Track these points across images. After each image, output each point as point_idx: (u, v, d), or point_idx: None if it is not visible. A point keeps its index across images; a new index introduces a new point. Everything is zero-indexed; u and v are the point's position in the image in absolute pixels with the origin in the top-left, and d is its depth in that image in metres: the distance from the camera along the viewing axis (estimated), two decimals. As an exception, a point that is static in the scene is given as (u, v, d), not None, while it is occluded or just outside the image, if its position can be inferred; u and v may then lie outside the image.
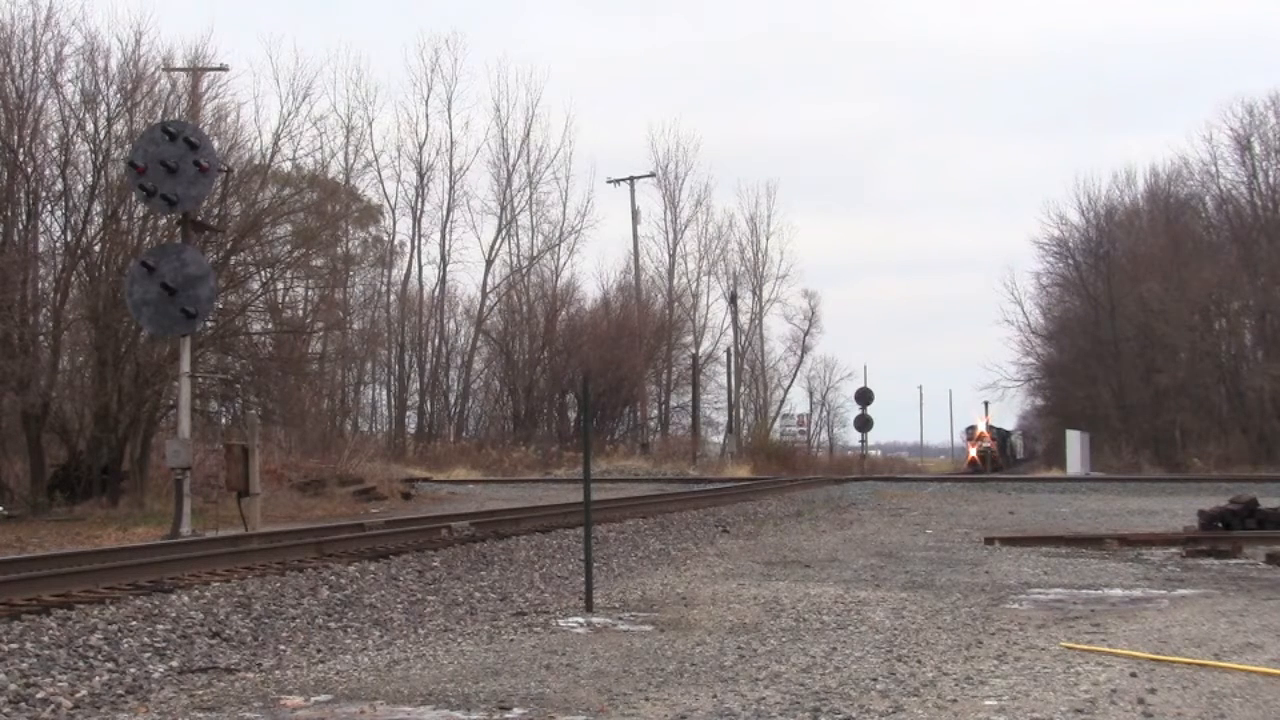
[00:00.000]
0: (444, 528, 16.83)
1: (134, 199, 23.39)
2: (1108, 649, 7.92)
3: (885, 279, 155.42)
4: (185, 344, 18.76)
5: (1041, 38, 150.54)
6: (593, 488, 11.44)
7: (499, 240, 59.48)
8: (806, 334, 72.37)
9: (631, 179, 65.16)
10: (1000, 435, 71.39)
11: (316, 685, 6.87)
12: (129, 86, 26.15)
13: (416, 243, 57.86)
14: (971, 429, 70.78)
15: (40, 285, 26.01)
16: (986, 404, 72.05)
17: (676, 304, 66.98)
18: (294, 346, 33.09)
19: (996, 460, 65.52)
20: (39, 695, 6.56)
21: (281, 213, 30.22)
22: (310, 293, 37.96)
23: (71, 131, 25.75)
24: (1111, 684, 6.76)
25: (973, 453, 67.94)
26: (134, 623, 8.82)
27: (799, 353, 72.82)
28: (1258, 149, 57.05)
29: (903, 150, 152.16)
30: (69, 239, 25.62)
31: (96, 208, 25.66)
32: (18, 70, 25.55)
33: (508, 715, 6.11)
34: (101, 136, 25.53)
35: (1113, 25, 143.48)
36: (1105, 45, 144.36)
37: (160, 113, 25.95)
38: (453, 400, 58.71)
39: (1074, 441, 50.18)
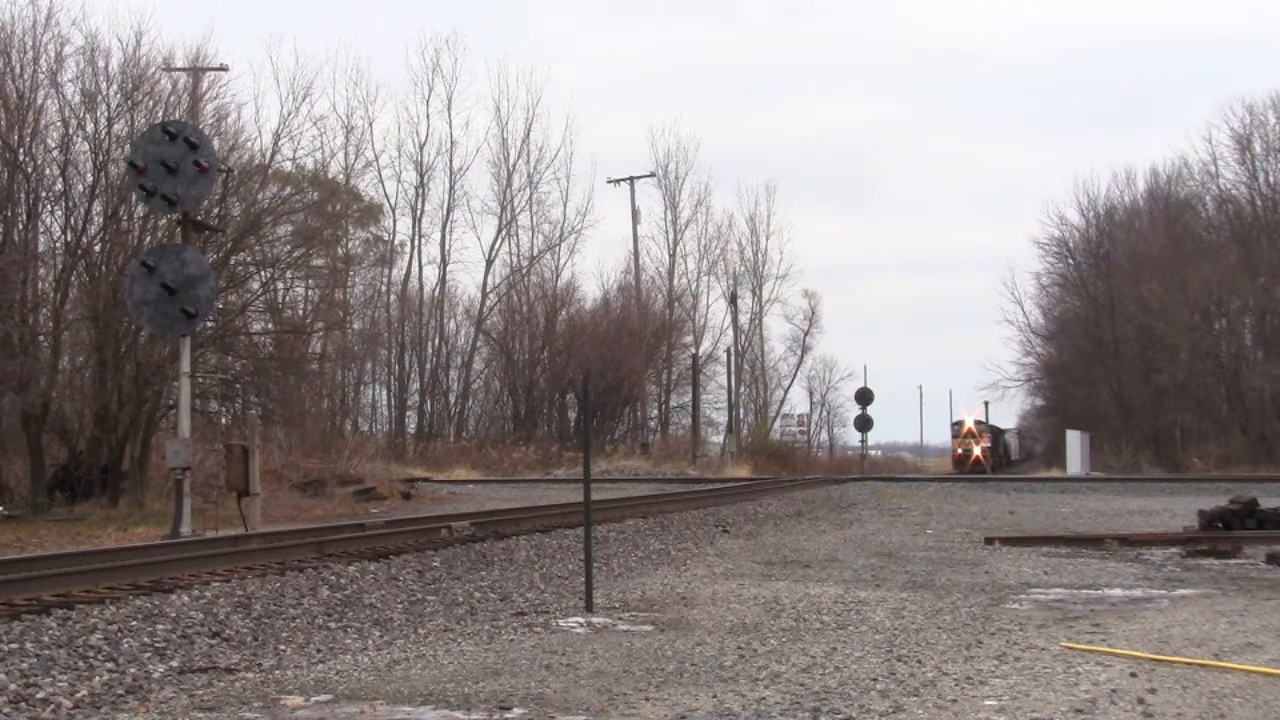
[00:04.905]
0: (444, 528, 16.83)
1: (134, 199, 23.40)
2: (1108, 649, 7.92)
3: (885, 279, 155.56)
4: (185, 344, 18.76)
5: (1041, 38, 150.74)
6: (593, 488, 11.43)
7: (499, 240, 59.59)
8: (806, 334, 72.50)
9: (631, 179, 65.27)
10: (994, 433, 66.82)
11: (316, 685, 6.87)
12: (129, 86, 26.17)
13: (416, 243, 57.97)
14: (959, 425, 65.80)
15: (40, 285, 26.02)
16: (987, 404, 71.71)
17: (676, 304, 67.07)
18: (294, 346, 33.11)
19: (988, 460, 61.32)
20: (39, 695, 6.56)
21: (282, 213, 30.25)
22: (310, 293, 38.04)
23: (71, 131, 25.80)
24: (1111, 684, 6.76)
25: (959, 452, 63.93)
26: (134, 623, 8.82)
27: (799, 353, 72.95)
28: (1258, 149, 57.13)
29: (902, 150, 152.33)
30: (69, 239, 25.64)
31: (96, 208, 25.69)
32: (18, 70, 25.59)
33: (508, 715, 6.11)
34: (101, 136, 25.55)
35: (1113, 25, 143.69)
36: (1106, 45, 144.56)
37: (160, 113, 25.99)
38: (453, 400, 58.73)
39: (1074, 441, 50.13)
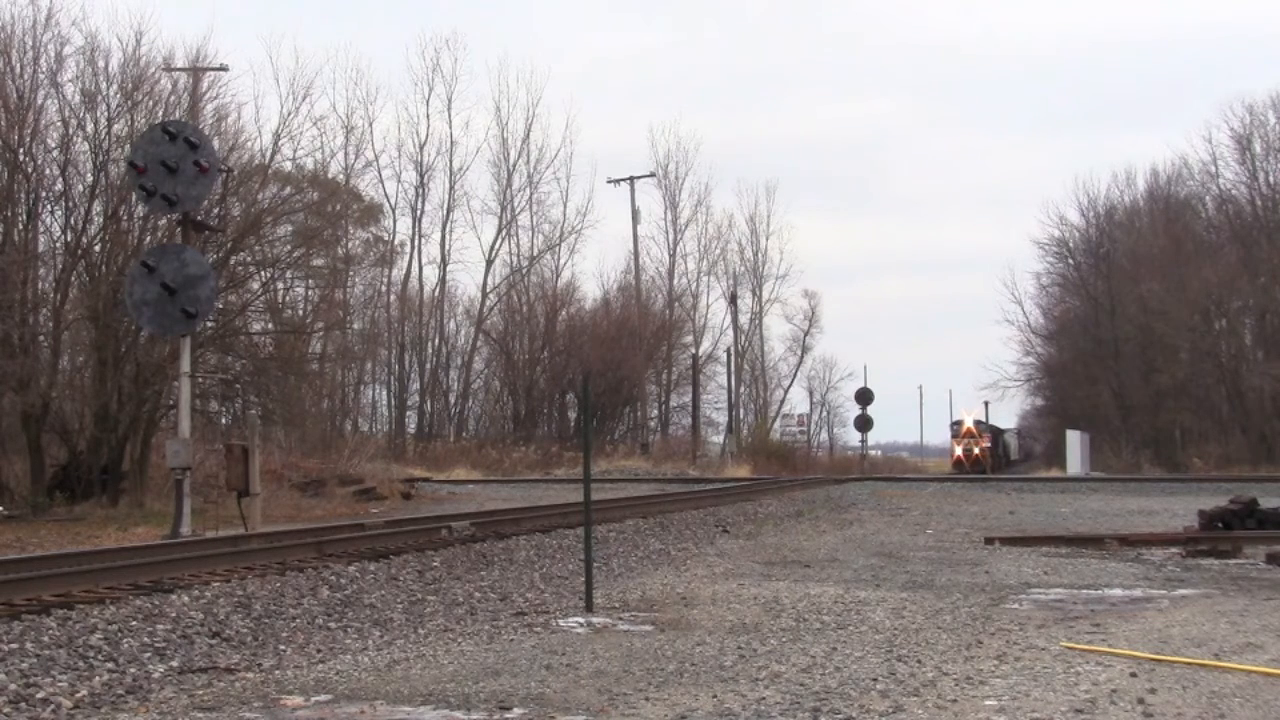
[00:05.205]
0: (444, 528, 16.83)
1: (134, 199, 23.39)
2: (1108, 649, 7.92)
3: (885, 279, 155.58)
4: (185, 344, 18.76)
5: (1042, 38, 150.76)
6: (593, 488, 11.43)
7: (499, 240, 59.60)
8: (806, 334, 72.49)
9: (631, 179, 65.28)
10: (993, 433, 66.42)
11: (316, 685, 6.87)
12: (129, 86, 26.15)
13: (416, 243, 58.01)
14: (958, 424, 65.25)
15: (40, 285, 26.00)
16: (987, 404, 71.64)
17: (676, 304, 67.08)
18: (294, 346, 33.09)
19: (987, 460, 60.69)
20: (39, 695, 6.56)
21: (281, 213, 30.25)
22: (310, 293, 38.05)
23: (71, 131, 25.78)
24: (1111, 684, 6.76)
25: (958, 451, 63.37)
26: (134, 623, 8.81)
27: (799, 353, 72.94)
28: (1258, 149, 57.15)
29: (903, 150, 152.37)
30: (69, 239, 25.63)
31: (96, 208, 25.68)
32: (18, 70, 25.57)
33: (508, 715, 6.11)
34: (101, 136, 25.54)
35: (1113, 25, 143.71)
36: (1105, 45, 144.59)
37: (160, 113, 25.97)
38: (453, 400, 58.74)
39: (1074, 441, 50.12)
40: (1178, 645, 8.08)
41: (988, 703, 6.31)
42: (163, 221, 24.11)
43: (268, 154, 30.15)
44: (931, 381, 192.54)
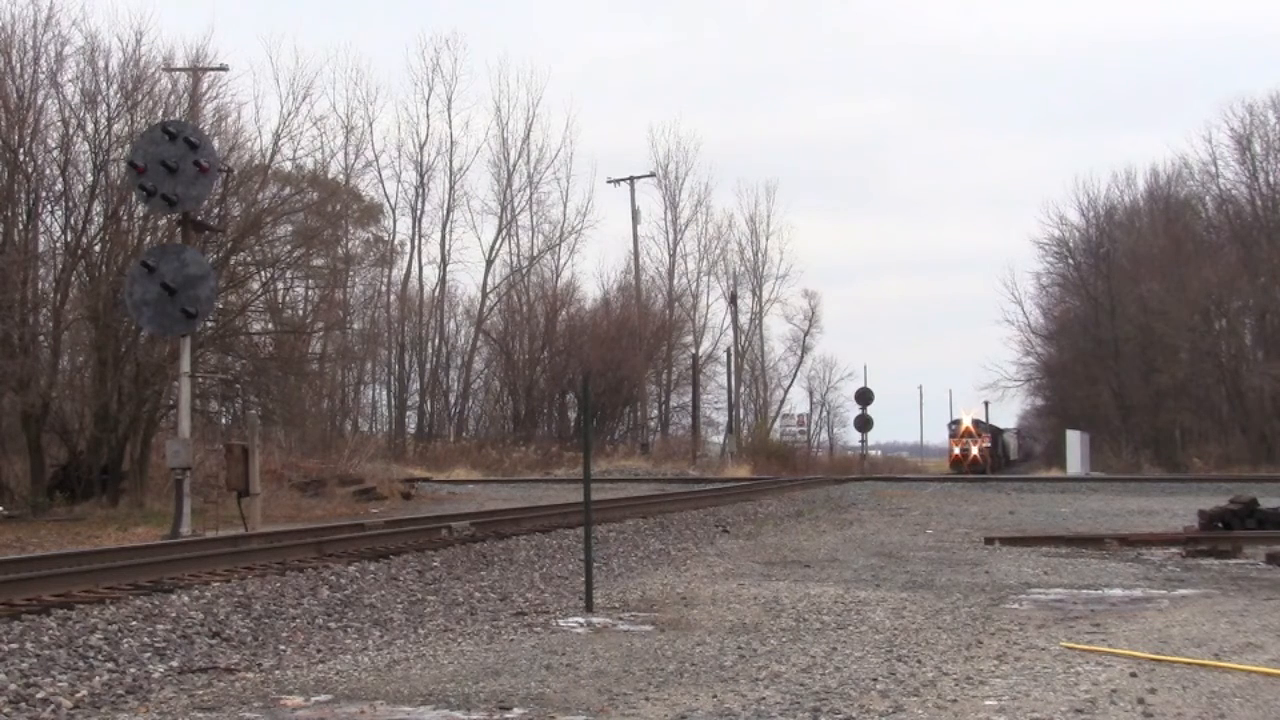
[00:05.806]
0: (444, 528, 16.83)
1: (134, 199, 23.39)
2: (1108, 649, 7.92)
3: (885, 279, 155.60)
4: (185, 344, 18.76)
5: (1042, 38, 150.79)
6: (593, 488, 11.43)
7: (499, 240, 59.61)
8: (806, 334, 72.51)
9: (631, 179, 65.30)
10: (992, 433, 66.20)
11: (316, 685, 6.87)
12: (129, 86, 26.16)
13: (416, 243, 58.02)
14: (956, 424, 64.89)
15: (40, 285, 26.00)
16: (987, 404, 71.63)
17: (676, 304, 67.08)
18: (294, 346, 33.10)
19: (986, 460, 60.47)
20: (39, 695, 6.56)
21: (282, 212, 30.24)
22: (310, 293, 38.06)
23: (71, 131, 25.77)
24: (1111, 684, 6.76)
25: (956, 451, 62.90)
26: (134, 623, 8.81)
27: (799, 353, 72.95)
28: (1258, 149, 57.15)
29: (903, 150, 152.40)
30: (69, 239, 25.63)
31: (96, 208, 25.67)
32: (18, 70, 25.57)
33: (508, 715, 6.11)
34: (101, 136, 25.53)
35: (1113, 25, 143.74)
36: (1105, 45, 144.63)
37: (160, 113, 25.97)
38: (453, 400, 58.74)
39: (1074, 441, 50.12)
40: (1178, 645, 8.08)
41: (988, 703, 6.31)
42: (163, 221, 24.11)
43: (268, 154, 30.18)
44: (931, 381, 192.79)
